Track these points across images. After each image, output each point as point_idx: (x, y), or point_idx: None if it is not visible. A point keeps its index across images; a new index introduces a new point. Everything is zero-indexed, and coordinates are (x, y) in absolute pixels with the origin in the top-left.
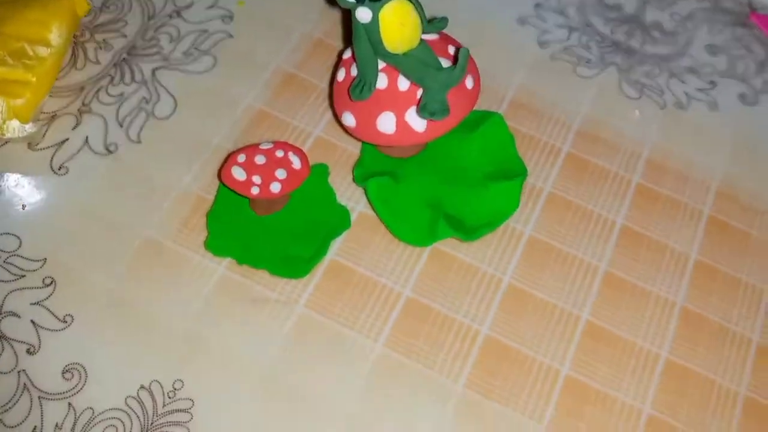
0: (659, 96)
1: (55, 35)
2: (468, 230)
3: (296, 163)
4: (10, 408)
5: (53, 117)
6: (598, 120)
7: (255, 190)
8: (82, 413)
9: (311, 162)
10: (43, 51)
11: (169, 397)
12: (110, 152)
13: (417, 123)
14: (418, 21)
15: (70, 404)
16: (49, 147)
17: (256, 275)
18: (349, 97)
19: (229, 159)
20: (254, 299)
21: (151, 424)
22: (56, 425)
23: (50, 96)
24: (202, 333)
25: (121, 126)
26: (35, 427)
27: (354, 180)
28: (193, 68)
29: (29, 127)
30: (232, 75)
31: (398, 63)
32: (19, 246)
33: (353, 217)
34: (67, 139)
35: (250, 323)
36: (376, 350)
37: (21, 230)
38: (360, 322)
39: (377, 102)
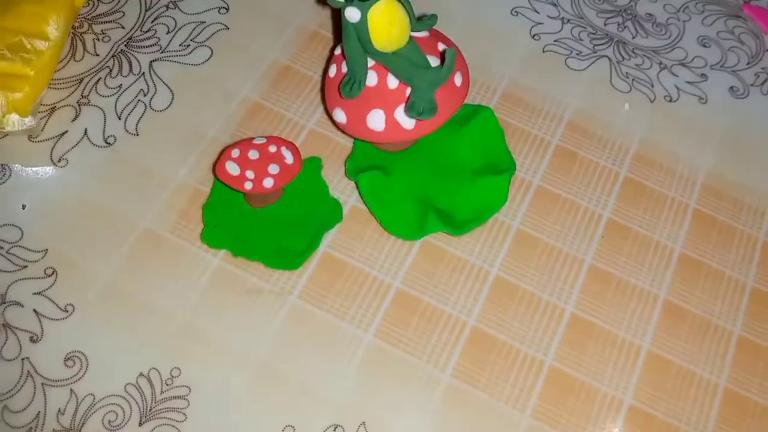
0: (649, 89)
1: (53, 28)
2: (457, 224)
3: (289, 158)
4: (14, 394)
5: (53, 109)
6: (588, 113)
7: (248, 185)
8: (83, 399)
9: (305, 155)
10: (41, 44)
11: (167, 385)
12: (109, 144)
13: (406, 120)
14: (407, 20)
15: (71, 391)
16: (49, 139)
17: (251, 267)
18: (340, 95)
19: (223, 154)
20: (249, 290)
21: (150, 410)
22: (59, 410)
23: (49, 88)
24: (199, 322)
25: (120, 118)
26: (39, 412)
27: (346, 174)
28: (190, 60)
29: (29, 121)
30: (228, 67)
31: (387, 61)
32: (21, 237)
33: (345, 210)
34: (67, 132)
35: (245, 313)
36: (367, 340)
37: (23, 221)
38: (351, 312)
39: (367, 99)
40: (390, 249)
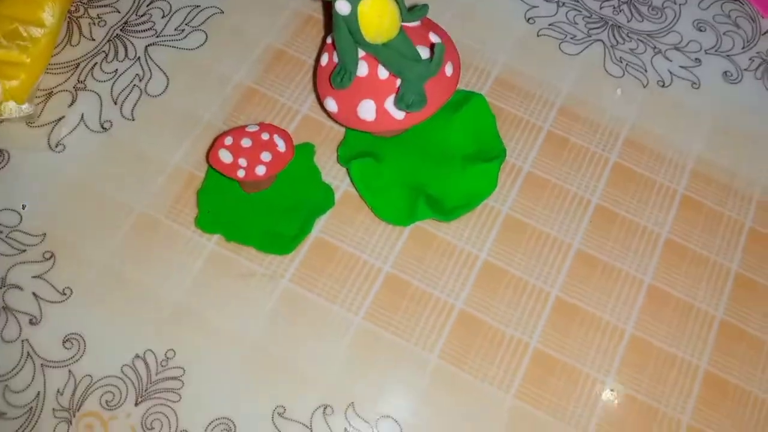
0: (642, 74)
1: (48, 15)
2: (446, 211)
3: (281, 145)
4: (15, 375)
5: (50, 94)
6: (580, 98)
7: (241, 173)
8: (81, 380)
9: (298, 140)
10: (36, 32)
11: (162, 366)
12: (105, 129)
13: (396, 111)
14: (397, 12)
15: (70, 371)
16: (46, 124)
17: (244, 251)
18: (331, 85)
19: (216, 142)
20: (242, 274)
21: (145, 390)
22: (57, 391)
23: (46, 73)
24: (193, 305)
25: (116, 103)
26: (38, 392)
27: (338, 160)
28: (185, 44)
29: (26, 108)
30: (223, 51)
31: (377, 53)
32: (20, 221)
33: (338, 195)
34: (64, 117)
35: (238, 297)
36: (357, 323)
37: (21, 206)
38: (342, 296)
39: (358, 89)
40: (381, 234)
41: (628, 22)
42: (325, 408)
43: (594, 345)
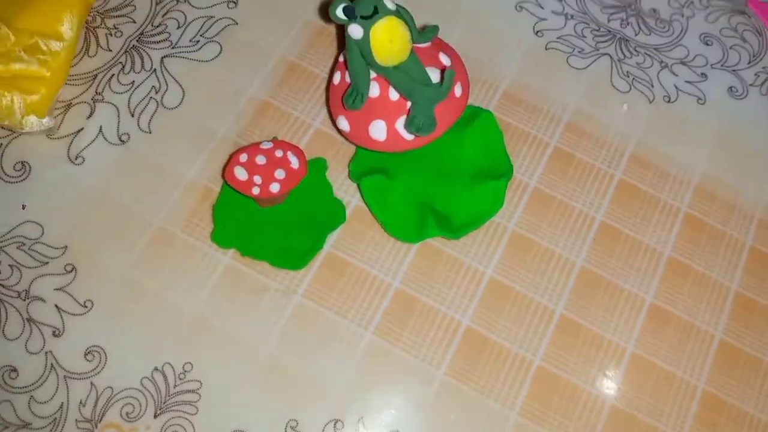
0: (648, 89)
1: (67, 27)
2: (455, 229)
3: (294, 162)
4: (40, 385)
5: (69, 106)
6: (587, 114)
7: (256, 190)
8: (102, 392)
9: (310, 155)
10: (56, 45)
11: (180, 379)
12: (123, 142)
13: (406, 132)
14: (407, 36)
15: (92, 383)
16: (66, 136)
17: (258, 266)
18: (343, 105)
19: (232, 159)
20: (256, 289)
21: (164, 402)
22: (80, 402)
23: (65, 84)
24: (210, 319)
25: (133, 115)
26: (62, 403)
27: (349, 176)
28: (200, 56)
29: (46, 121)
30: (237, 63)
31: (388, 75)
32: (42, 234)
33: (349, 210)
34: (82, 129)
35: (253, 311)
36: (367, 338)
37: (43, 218)
38: (353, 311)
39: (369, 110)
40: (390, 249)
41: (636, 35)
42: (335, 423)
43: (596, 363)
